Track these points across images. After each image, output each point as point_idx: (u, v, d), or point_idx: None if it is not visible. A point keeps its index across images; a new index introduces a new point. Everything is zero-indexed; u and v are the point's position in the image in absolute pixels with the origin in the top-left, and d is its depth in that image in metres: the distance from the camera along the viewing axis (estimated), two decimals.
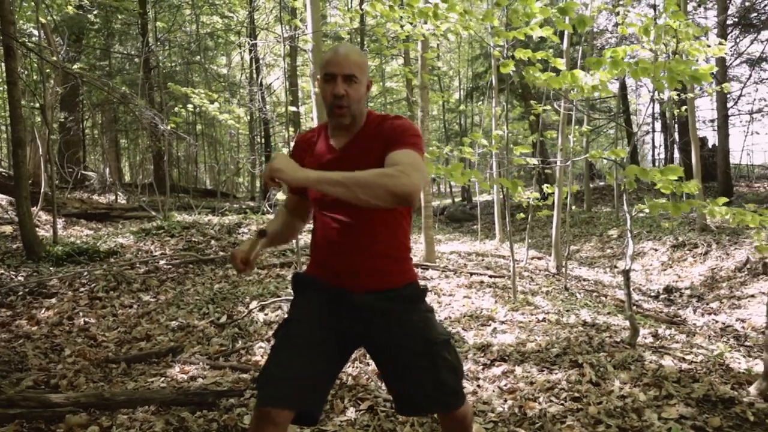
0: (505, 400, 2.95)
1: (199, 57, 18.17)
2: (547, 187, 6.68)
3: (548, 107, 6.91)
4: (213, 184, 22.35)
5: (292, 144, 1.99)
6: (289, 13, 12.09)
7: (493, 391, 3.10)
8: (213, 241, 7.66)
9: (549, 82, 3.36)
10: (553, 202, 7.34)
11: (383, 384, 1.93)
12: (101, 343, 4.44)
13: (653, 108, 20.91)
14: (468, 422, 1.97)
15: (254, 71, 17.84)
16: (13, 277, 6.02)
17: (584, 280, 7.87)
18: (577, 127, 7.25)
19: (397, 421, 2.79)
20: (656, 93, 7.09)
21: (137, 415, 2.94)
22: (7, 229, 8.25)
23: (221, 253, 7.12)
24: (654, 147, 24.15)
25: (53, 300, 5.42)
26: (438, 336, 1.83)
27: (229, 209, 12.27)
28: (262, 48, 15.87)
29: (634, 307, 6.25)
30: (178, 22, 16.79)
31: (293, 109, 8.03)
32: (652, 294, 7.95)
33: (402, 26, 5.42)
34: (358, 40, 16.79)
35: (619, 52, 3.76)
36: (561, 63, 3.52)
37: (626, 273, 3.90)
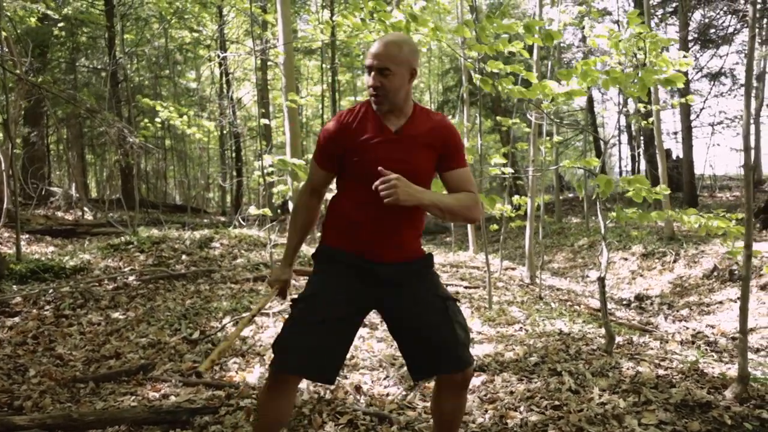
0: (486, 410, 2.93)
1: (168, 71, 17.97)
2: (518, 198, 6.74)
3: (517, 120, 6.99)
4: (183, 199, 22.01)
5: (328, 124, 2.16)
6: (260, 27, 12.05)
7: (474, 401, 3.08)
8: (184, 256, 7.51)
9: (524, 93, 3.40)
10: (526, 213, 7.41)
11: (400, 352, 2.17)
12: (68, 362, 4.28)
13: (619, 120, 21.40)
14: (466, 396, 2.17)
15: (224, 85, 17.70)
16: None
17: (558, 289, 7.94)
18: (547, 138, 7.36)
19: None
20: (622, 106, 7.27)
21: None
22: None
23: (193, 268, 6.98)
24: (621, 159, 24.71)
25: (16, 319, 5.22)
26: (447, 294, 2.06)
27: (199, 224, 12.08)
28: (232, 62, 15.77)
29: (609, 315, 6.32)
30: (146, 36, 16.58)
31: (265, 122, 7.97)
32: (624, 302, 8.07)
33: (374, 39, 5.44)
34: (329, 54, 16.84)
35: (591, 63, 3.83)
36: (533, 75, 3.56)
37: (601, 281, 3.94)
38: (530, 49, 7.70)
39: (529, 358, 3.69)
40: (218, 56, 13.81)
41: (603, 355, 3.77)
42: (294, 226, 2.23)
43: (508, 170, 5.20)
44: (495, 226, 8.46)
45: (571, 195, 19.92)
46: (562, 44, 15.17)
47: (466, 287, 6.64)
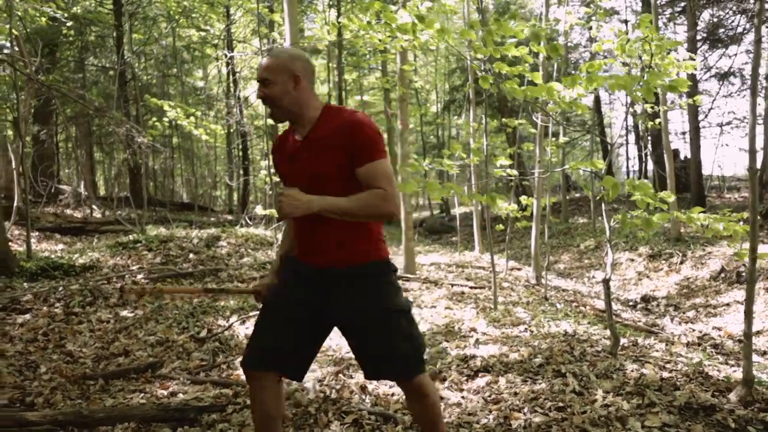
0: (490, 411, 2.95)
1: (175, 70, 18.05)
2: (524, 198, 6.76)
3: (524, 121, 7.00)
4: (190, 197, 22.11)
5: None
6: (266, 26, 12.09)
7: (478, 402, 3.10)
8: (191, 255, 7.57)
9: (528, 93, 3.42)
10: (532, 214, 7.42)
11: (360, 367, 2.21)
12: (78, 359, 4.34)
13: (627, 121, 21.34)
14: (429, 404, 2.13)
15: (231, 84, 17.77)
16: None
17: (563, 290, 7.95)
18: (553, 139, 7.37)
19: None
20: (630, 106, 7.25)
21: None
22: None
23: (200, 267, 7.04)
24: (628, 159, 24.59)
25: (27, 316, 5.29)
26: (395, 305, 2.05)
27: (206, 222, 12.15)
28: (239, 61, 15.82)
29: (614, 317, 6.33)
30: (154, 35, 16.65)
31: (271, 121, 8.01)
32: (630, 303, 8.06)
33: (380, 39, 5.47)
34: (336, 52, 16.85)
35: (595, 66, 3.84)
36: (539, 76, 3.58)
37: (606, 282, 3.96)
38: (536, 51, 7.73)
39: (533, 359, 3.71)
40: (225, 56, 13.86)
41: (608, 356, 3.79)
42: (285, 233, 2.34)
43: (513, 172, 5.21)
44: (501, 227, 8.47)
45: (578, 195, 19.88)
46: (569, 44, 15.13)
47: (471, 287, 6.66)
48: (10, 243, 7.30)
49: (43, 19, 9.13)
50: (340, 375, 3.71)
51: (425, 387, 2.10)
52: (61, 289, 5.96)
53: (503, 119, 8.34)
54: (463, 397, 3.20)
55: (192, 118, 8.15)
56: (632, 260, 9.87)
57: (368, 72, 19.75)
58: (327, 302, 2.09)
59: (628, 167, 24.84)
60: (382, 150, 2.00)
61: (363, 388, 3.41)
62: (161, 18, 16.32)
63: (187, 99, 18.17)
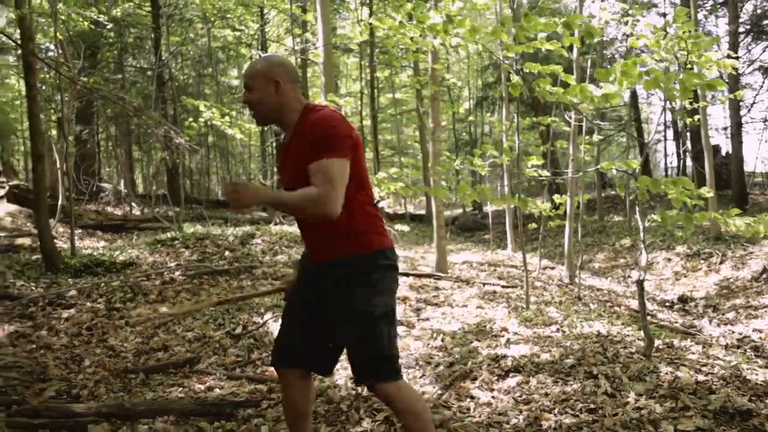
0: (521, 411, 2.97)
1: (210, 70, 18.38)
2: (557, 197, 6.70)
3: (557, 118, 6.93)
4: (225, 195, 22.51)
5: None
6: (299, 26, 12.22)
7: (508, 402, 3.12)
8: (227, 252, 7.73)
9: (560, 96, 3.40)
10: (565, 212, 7.34)
11: None
12: (119, 353, 4.50)
13: (665, 116, 20.84)
14: (400, 412, 2.11)
15: None
16: (33, 288, 6.12)
17: (597, 290, 7.85)
18: (587, 137, 7.27)
19: None
20: (668, 102, 7.08)
21: (157, 425, 2.99)
22: (26, 241, 8.38)
23: (235, 264, 7.19)
24: (666, 155, 23.99)
25: (72, 311, 5.50)
26: (367, 307, 2.06)
27: (241, 220, 12.37)
28: None
29: (649, 318, 6.23)
30: (190, 36, 16.99)
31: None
32: (667, 304, 7.91)
33: (411, 38, 5.49)
34: (368, 51, 16.92)
35: (630, 65, 3.79)
36: (571, 78, 3.55)
37: (640, 283, 3.91)
38: (570, 46, 7.64)
39: (565, 360, 3.70)
40: (259, 56, 14.06)
41: (641, 358, 3.74)
42: None
43: (545, 173, 5.17)
44: (534, 225, 8.41)
45: (613, 192, 19.51)
46: (604, 39, 14.86)
47: (503, 286, 6.64)
48: (55, 240, 7.58)
49: (86, 23, 9.43)
50: None
51: (392, 396, 2.08)
52: (103, 285, 6.17)
53: (536, 117, 8.28)
54: (493, 397, 3.22)
55: (226, 118, 8.31)
56: (669, 260, 9.67)
57: (400, 70, 19.75)
58: (323, 300, 2.17)
59: (666, 164, 24.25)
60: (336, 149, 1.99)
61: None
62: (197, 19, 16.63)
63: (222, 98, 18.48)
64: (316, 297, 2.20)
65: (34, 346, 4.57)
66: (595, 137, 7.83)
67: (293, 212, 2.09)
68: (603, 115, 18.86)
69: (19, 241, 8.57)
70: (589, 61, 8.08)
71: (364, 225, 2.12)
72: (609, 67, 3.61)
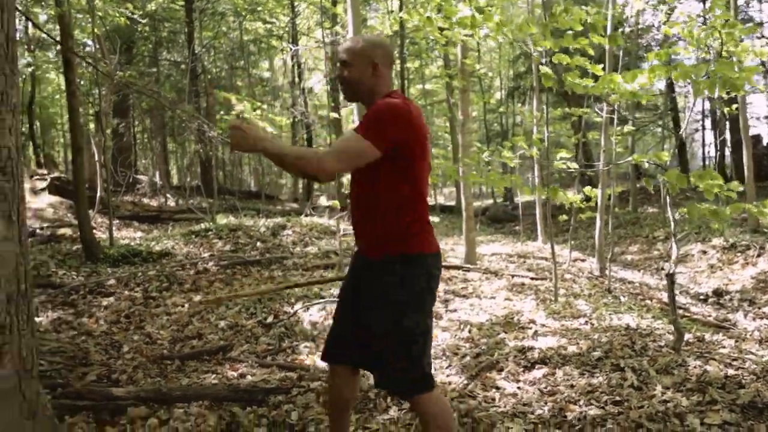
0: (546, 402, 2.99)
1: (242, 62, 18.63)
2: (588, 189, 6.62)
3: (588, 110, 6.85)
4: (257, 186, 22.82)
5: None
6: (329, 19, 12.28)
7: (534, 393, 3.15)
8: (258, 243, 7.89)
9: (588, 89, 3.38)
10: (596, 204, 7.27)
11: None
12: (156, 340, 4.66)
13: (703, 105, 20.29)
14: (425, 419, 2.04)
15: (296, 76, 18.16)
16: (74, 277, 6.36)
17: (629, 282, 7.76)
18: (619, 128, 7.16)
19: None
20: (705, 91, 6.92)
21: (192, 409, 3.11)
22: (67, 231, 8.68)
23: (267, 255, 7.33)
24: (704, 145, 23.40)
25: (111, 299, 5.71)
26: (397, 327, 1.99)
27: (273, 211, 12.57)
28: (303, 53, 16.15)
29: (681, 311, 6.14)
30: (222, 30, 17.23)
31: (334, 115, 8.19)
32: (701, 297, 7.78)
33: (441, 31, 5.49)
34: (398, 42, 16.88)
35: (662, 55, 3.74)
36: (599, 69, 3.52)
37: (670, 277, 3.88)
38: (604, 33, 7.50)
39: (592, 352, 3.70)
40: (290, 48, 14.20)
41: (670, 352, 3.72)
42: None
43: (574, 165, 5.14)
44: (564, 216, 8.34)
45: (655, 182, 19.12)
46: (640, 26, 14.53)
47: (532, 278, 6.63)
48: (94, 230, 7.85)
49: (122, 18, 9.67)
50: None
51: (420, 407, 2.05)
52: (140, 274, 6.38)
53: (568, 108, 8.18)
54: (519, 388, 3.25)
55: (257, 111, 8.44)
56: (705, 252, 9.48)
57: (431, 61, 19.66)
58: (365, 288, 2.12)
59: (704, 154, 23.65)
60: (367, 128, 1.96)
61: None
62: (229, 13, 16.85)
63: (253, 90, 18.71)
64: (356, 285, 2.18)
65: (76, 332, 4.77)
66: (627, 128, 7.70)
67: (284, 163, 1.95)
68: (638, 104, 18.48)
69: (61, 231, 8.88)
70: (621, 51, 7.92)
71: (414, 221, 2.06)
72: (644, 55, 3.57)
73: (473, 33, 4.10)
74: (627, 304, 5.67)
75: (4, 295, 2.09)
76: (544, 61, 4.36)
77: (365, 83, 2.11)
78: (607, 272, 7.01)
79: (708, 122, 21.48)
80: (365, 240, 2.14)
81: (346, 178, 8.16)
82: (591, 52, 3.63)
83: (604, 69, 5.93)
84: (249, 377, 3.79)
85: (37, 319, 4.92)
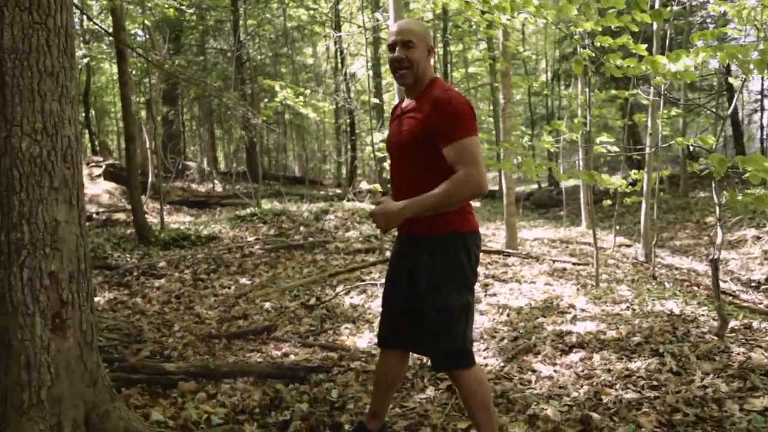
0: (581, 386, 3.02)
1: (286, 49, 18.84)
2: (633, 173, 6.50)
3: (635, 91, 6.68)
4: (301, 171, 23.16)
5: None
6: (371, 4, 12.29)
7: (570, 376, 3.17)
8: (302, 227, 8.07)
9: (628, 70, 3.33)
10: (642, 188, 7.12)
11: None
12: (204, 320, 4.88)
13: (762, 84, 19.38)
14: (465, 394, 2.15)
15: (339, 61, 18.26)
16: (128, 259, 6.67)
17: (676, 268, 7.60)
18: (664, 111, 6.96)
19: None
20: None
21: (238, 385, 3.27)
22: (122, 216, 9.07)
23: (310, 239, 7.50)
24: (762, 127, 22.37)
25: (162, 281, 5.98)
26: (441, 305, 2.08)
27: (316, 196, 12.77)
28: (346, 38, 16.20)
29: (729, 298, 5.99)
30: (266, 17, 17.45)
31: (375, 101, 8.22)
32: (752, 284, 7.55)
33: (483, 14, 5.46)
34: (441, 26, 16.75)
35: (708, 35, 3.64)
36: (643, 48, 3.45)
37: (714, 262, 3.81)
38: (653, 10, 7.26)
39: (632, 337, 3.69)
40: (333, 34, 14.29)
41: (713, 338, 3.67)
42: None
43: (614, 148, 5.05)
44: (609, 201, 8.19)
45: (701, 166, 18.46)
46: (694, 3, 13.95)
47: (574, 264, 6.58)
48: (146, 215, 8.18)
49: (170, 9, 9.96)
50: None
51: (459, 381, 2.14)
52: (189, 257, 6.64)
53: (616, 90, 7.99)
54: (555, 371, 3.28)
55: (300, 98, 8.58)
56: (758, 238, 9.16)
57: (475, 44, 19.42)
58: (410, 268, 2.19)
59: (762, 135, 22.63)
60: (467, 127, 2.01)
61: None
62: (273, 0, 17.05)
63: (297, 76, 18.92)
64: (402, 265, 2.24)
65: (131, 311, 5.03)
66: (674, 111, 7.48)
67: (447, 206, 2.01)
68: (691, 85, 17.81)
69: (116, 215, 9.28)
70: (666, 30, 7.66)
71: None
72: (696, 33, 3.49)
73: (512, 17, 4.07)
74: (672, 290, 5.57)
75: (66, 274, 2.26)
76: (586, 43, 4.31)
77: (422, 65, 2.15)
78: (652, 258, 6.88)
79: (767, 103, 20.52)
80: (409, 220, 2.13)
81: (387, 163, 8.24)
82: (634, 28, 3.55)
83: (650, 50, 5.78)
84: (292, 356, 3.94)
85: (95, 299, 5.21)
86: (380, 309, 2.40)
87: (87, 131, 18.31)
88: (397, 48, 2.14)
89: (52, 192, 2.23)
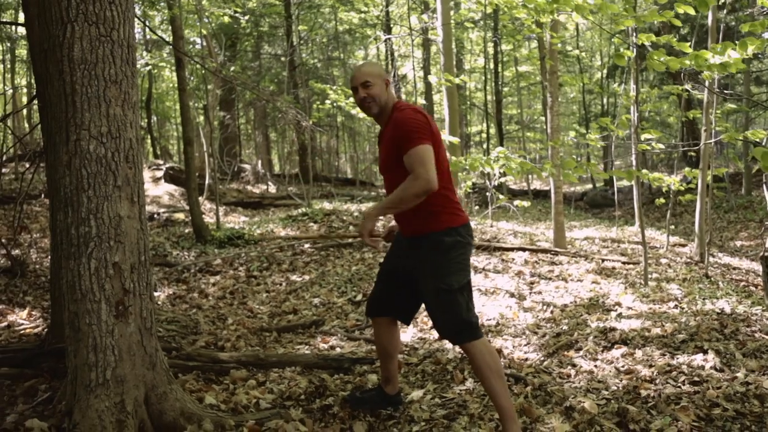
0: (621, 380, 3.03)
1: (337, 52, 19.17)
2: (687, 170, 6.33)
3: (689, 87, 6.51)
4: (352, 173, 23.47)
5: None
6: (421, 6, 12.38)
7: (610, 371, 3.18)
8: (351, 227, 8.24)
9: (670, 63, 3.30)
10: (697, 186, 6.92)
11: None
12: (257, 314, 5.10)
13: None
14: (477, 364, 2.45)
15: (389, 63, 18.43)
16: (186, 257, 7.01)
17: (733, 268, 7.34)
18: (719, 106, 6.73)
19: (512, 392, 3.00)
20: None
21: (286, 373, 3.44)
22: (181, 216, 9.50)
23: (359, 239, 7.66)
24: None
25: (218, 277, 6.27)
26: (441, 281, 2.44)
27: (366, 197, 12.96)
28: (396, 41, 16.36)
29: None
30: (318, 21, 17.81)
31: (424, 102, 8.31)
32: None
33: (527, 13, 5.47)
34: (491, 25, 16.67)
35: (758, 26, 3.57)
36: (686, 45, 3.41)
37: (765, 259, 3.72)
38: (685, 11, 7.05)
39: (677, 335, 3.65)
40: (383, 36, 14.47)
41: (763, 337, 3.59)
42: None
43: (660, 146, 4.96)
44: (662, 200, 8.00)
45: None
46: None
47: (623, 263, 6.48)
48: (203, 215, 8.55)
49: (226, 18, 10.35)
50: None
51: (469, 352, 2.46)
52: (243, 255, 6.92)
53: (664, 87, 7.78)
54: (595, 366, 3.29)
55: (351, 100, 8.76)
56: None
57: (523, 43, 19.21)
58: (406, 263, 2.61)
59: None
60: (415, 138, 2.36)
61: (499, 352, 3.64)
62: (325, 5, 17.39)
63: (349, 78, 19.20)
64: (403, 263, 2.65)
65: (188, 305, 5.32)
66: (730, 105, 7.22)
67: (402, 203, 2.38)
68: (757, 78, 17.04)
69: (175, 216, 9.73)
70: (721, 25, 7.40)
71: (438, 205, 2.47)
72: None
73: (553, 16, 4.09)
74: (725, 289, 5.42)
75: (128, 265, 2.47)
76: (633, 40, 4.27)
77: (383, 98, 2.55)
78: (707, 257, 6.69)
79: None
80: (403, 223, 2.60)
81: None
82: (677, 23, 3.51)
83: (705, 45, 5.65)
84: (338, 349, 4.09)
85: (155, 293, 5.53)
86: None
87: (149, 136, 19.15)
88: (359, 89, 2.54)
89: (116, 190, 2.45)
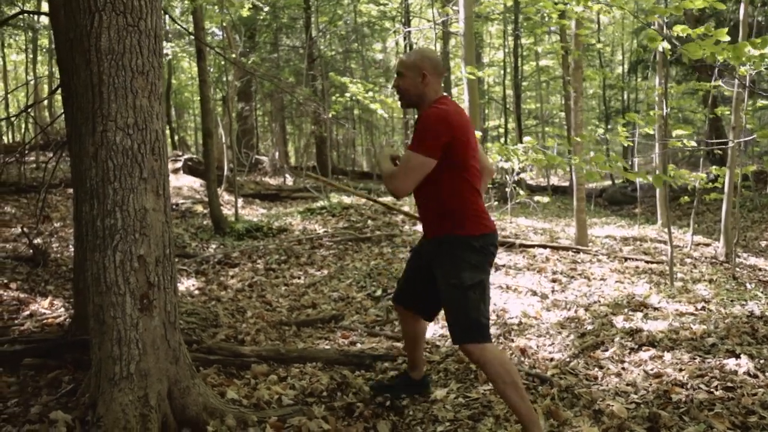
0: (650, 384, 2.95)
1: (356, 45, 19.08)
2: (714, 168, 6.19)
3: (718, 83, 6.35)
4: (369, 166, 23.41)
5: None
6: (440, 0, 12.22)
7: (638, 374, 3.11)
8: (369, 221, 8.20)
9: (707, 56, 3.19)
10: (723, 184, 6.77)
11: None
12: (275, 308, 5.08)
13: None
14: (486, 372, 2.39)
15: None
16: (205, 248, 7.02)
17: (760, 269, 7.19)
18: (749, 102, 6.57)
19: (537, 394, 2.94)
20: None
21: (307, 369, 3.41)
22: (199, 207, 9.53)
23: (377, 232, 7.61)
24: None
25: (236, 269, 6.26)
26: (457, 280, 2.40)
27: (384, 191, 12.91)
28: (415, 33, 16.24)
29: None
30: (338, 13, 17.72)
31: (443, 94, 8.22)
32: None
33: (555, 3, 5.36)
34: (512, 18, 16.46)
35: None
36: (724, 33, 3.29)
37: None
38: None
39: (706, 338, 3.56)
40: (402, 29, 14.36)
41: None
42: None
43: (692, 143, 4.84)
44: (686, 198, 7.85)
45: None
46: None
47: (647, 262, 6.36)
48: (221, 207, 8.56)
49: (245, 10, 10.32)
50: (502, 338, 3.92)
51: (475, 356, 2.39)
52: (261, 248, 6.91)
53: (695, 81, 7.62)
54: (623, 368, 3.22)
55: (370, 93, 8.69)
56: None
57: (548, 35, 18.95)
58: (432, 259, 2.57)
59: None
60: (419, 145, 2.36)
61: (523, 351, 3.58)
62: None
63: (367, 72, 19.11)
64: (422, 256, 2.67)
65: (207, 297, 5.31)
66: (760, 102, 7.05)
67: (384, 179, 2.47)
68: None
69: (194, 207, 9.76)
70: (760, 17, 7.22)
71: (460, 209, 2.45)
72: None
73: (586, 6, 3.99)
74: (754, 291, 5.30)
75: (153, 258, 2.45)
76: (665, 32, 4.16)
77: (414, 91, 2.51)
78: (733, 257, 6.55)
79: None
80: (426, 225, 2.60)
81: None
82: (722, 6, 3.38)
83: (734, 40, 5.51)
84: (358, 345, 4.06)
85: None
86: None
87: (168, 127, 19.25)
88: (396, 78, 2.56)
89: (142, 182, 2.42)
